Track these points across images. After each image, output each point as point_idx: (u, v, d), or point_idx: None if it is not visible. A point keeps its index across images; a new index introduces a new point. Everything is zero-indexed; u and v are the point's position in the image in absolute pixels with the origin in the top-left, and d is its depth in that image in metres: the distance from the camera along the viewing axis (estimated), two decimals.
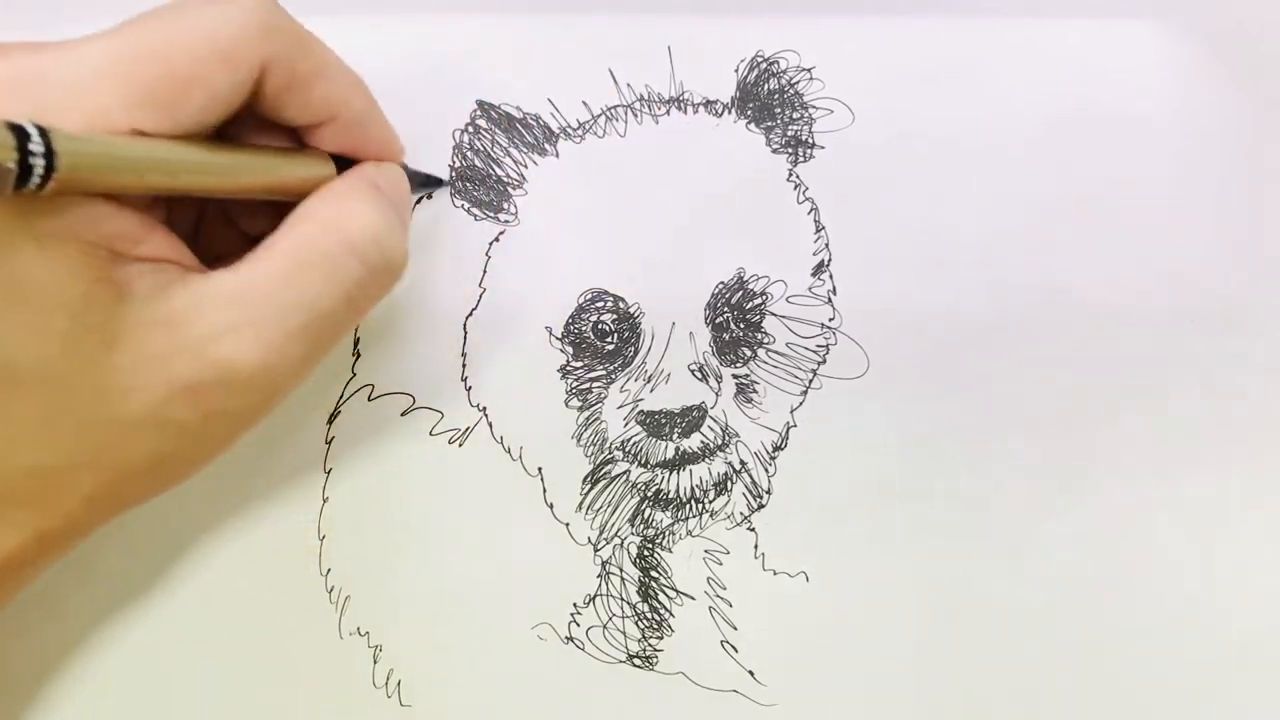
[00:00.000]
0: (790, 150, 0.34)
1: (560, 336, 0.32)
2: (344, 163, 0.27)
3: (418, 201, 0.32)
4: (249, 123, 0.26)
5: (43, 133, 0.19)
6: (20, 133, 0.19)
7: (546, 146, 0.33)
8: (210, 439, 0.24)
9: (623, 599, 0.32)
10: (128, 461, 0.22)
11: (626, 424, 0.32)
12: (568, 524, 0.32)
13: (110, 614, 0.32)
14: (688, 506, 0.32)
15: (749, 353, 0.33)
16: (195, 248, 0.25)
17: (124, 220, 0.23)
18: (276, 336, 0.23)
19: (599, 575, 0.32)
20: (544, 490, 0.32)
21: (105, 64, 0.22)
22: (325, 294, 0.24)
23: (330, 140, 0.26)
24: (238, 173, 0.24)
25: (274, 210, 0.26)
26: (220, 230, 0.28)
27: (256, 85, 0.24)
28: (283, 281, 0.23)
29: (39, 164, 0.19)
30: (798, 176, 0.33)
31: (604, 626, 0.32)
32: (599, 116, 0.33)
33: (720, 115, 0.33)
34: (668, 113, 0.33)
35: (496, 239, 0.33)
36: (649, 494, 0.32)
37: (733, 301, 0.33)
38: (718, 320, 0.33)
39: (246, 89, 0.24)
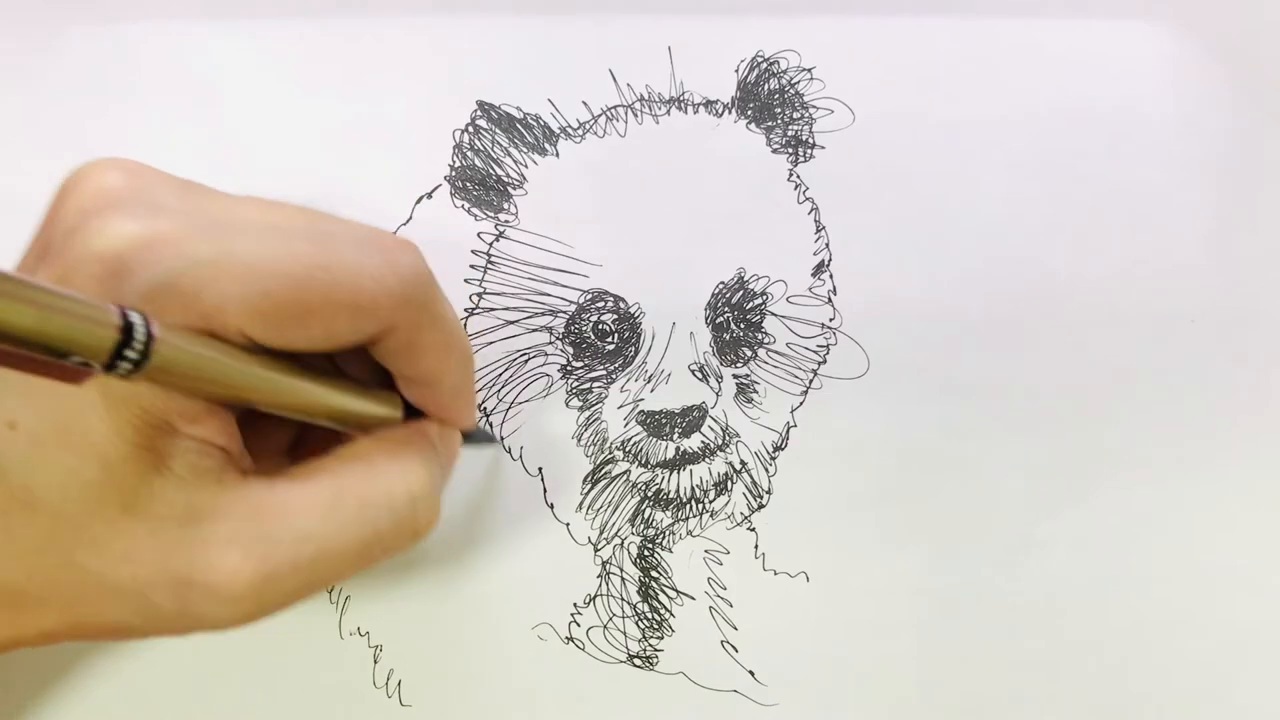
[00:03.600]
0: (790, 150, 0.34)
1: (560, 336, 0.32)
2: (410, 407, 0.27)
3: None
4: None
5: (148, 331, 0.19)
6: (126, 326, 0.19)
7: (546, 146, 0.33)
8: (175, 628, 0.23)
9: (623, 599, 0.32)
10: (93, 618, 0.22)
11: (627, 424, 0.32)
12: (568, 524, 0.32)
13: None
14: (688, 506, 0.32)
15: (749, 353, 0.33)
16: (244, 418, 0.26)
17: (191, 401, 0.23)
18: (280, 562, 0.22)
19: (599, 575, 0.32)
20: (544, 490, 0.32)
21: (246, 262, 0.21)
22: (345, 535, 0.23)
23: (414, 393, 0.26)
24: (315, 400, 0.24)
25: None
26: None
27: (374, 337, 0.24)
28: (310, 512, 0.23)
29: (128, 361, 0.19)
30: (798, 176, 0.33)
31: (604, 626, 0.32)
32: (599, 116, 0.33)
33: (720, 115, 0.33)
34: (668, 113, 0.33)
35: (496, 239, 0.33)
36: (649, 494, 0.32)
37: (733, 301, 0.33)
38: (718, 320, 0.33)
39: (363, 339, 0.23)
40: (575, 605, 0.32)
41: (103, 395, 0.21)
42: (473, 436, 0.31)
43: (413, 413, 0.26)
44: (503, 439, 0.32)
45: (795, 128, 0.34)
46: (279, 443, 0.27)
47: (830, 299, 0.33)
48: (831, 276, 0.33)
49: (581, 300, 0.32)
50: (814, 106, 0.34)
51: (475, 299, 0.32)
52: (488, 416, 0.32)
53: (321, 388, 0.24)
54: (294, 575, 0.23)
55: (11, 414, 0.20)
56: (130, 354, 0.19)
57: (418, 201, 0.33)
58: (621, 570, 0.32)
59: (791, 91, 0.34)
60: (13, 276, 0.17)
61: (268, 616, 0.23)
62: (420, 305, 0.23)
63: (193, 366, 0.21)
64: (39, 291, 0.17)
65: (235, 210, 0.23)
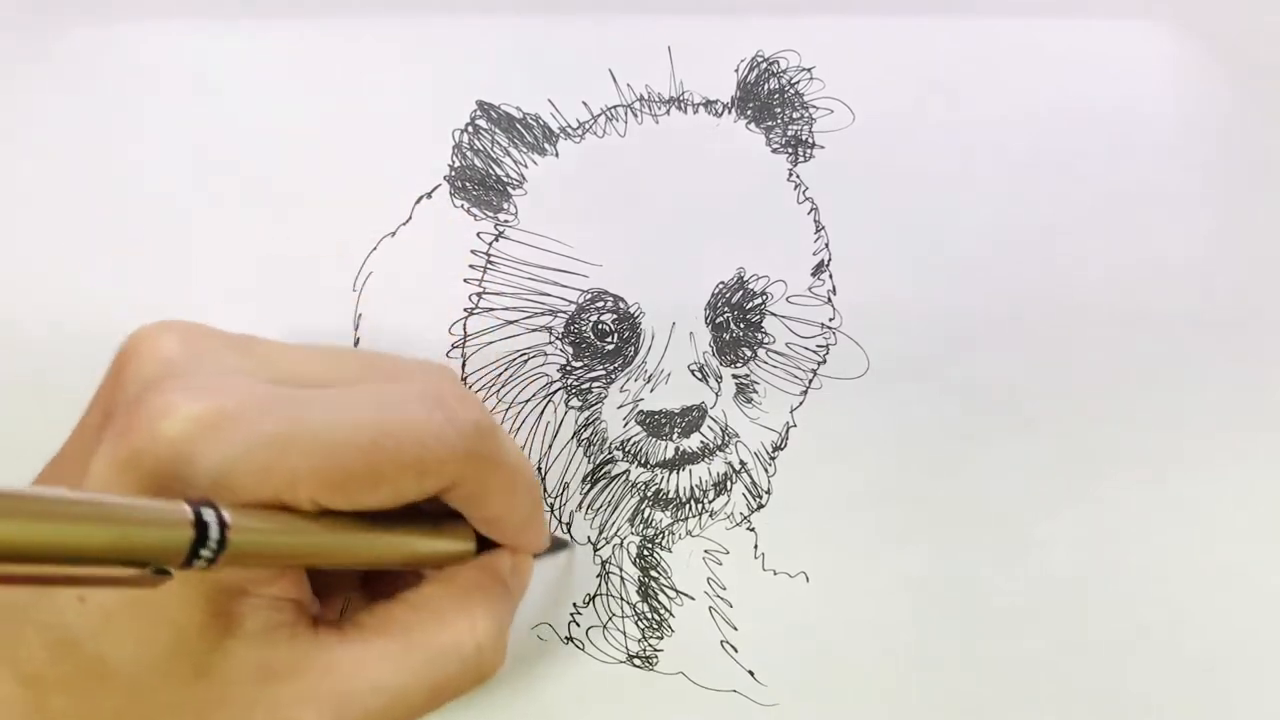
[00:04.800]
0: (790, 150, 0.34)
1: (560, 336, 0.32)
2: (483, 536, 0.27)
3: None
4: None
5: (221, 527, 0.19)
6: (200, 523, 0.19)
7: (546, 146, 0.33)
8: None
9: (623, 599, 0.32)
10: None
11: (626, 424, 0.32)
12: (568, 524, 0.32)
13: None
14: (688, 506, 0.32)
15: (749, 353, 0.33)
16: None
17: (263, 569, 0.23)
18: (354, 715, 0.23)
19: (599, 575, 0.32)
20: (544, 490, 0.32)
21: (315, 436, 0.21)
22: (415, 684, 0.24)
23: (485, 529, 0.26)
24: (386, 551, 0.24)
25: None
26: None
27: (442, 490, 0.24)
28: (381, 664, 0.23)
29: (203, 559, 0.19)
30: (798, 176, 0.33)
31: (604, 626, 0.32)
32: (599, 116, 0.33)
33: (720, 115, 0.33)
34: (668, 113, 0.33)
35: (496, 239, 0.33)
36: (649, 494, 0.32)
37: (733, 301, 0.33)
38: (718, 320, 0.33)
39: (429, 495, 0.24)
40: (575, 605, 0.32)
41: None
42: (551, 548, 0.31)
43: (486, 542, 0.26)
44: (572, 537, 0.32)
45: (795, 128, 0.34)
46: (351, 579, 0.28)
47: (830, 299, 0.33)
48: (831, 276, 0.33)
49: (581, 300, 0.32)
50: (814, 106, 0.34)
51: (475, 299, 0.32)
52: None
53: (392, 537, 0.24)
54: None
55: (80, 588, 0.20)
56: (205, 552, 0.19)
57: (417, 201, 0.33)
58: (621, 570, 0.32)
59: (791, 91, 0.34)
60: (83, 497, 0.17)
61: None
62: (484, 457, 0.24)
63: (267, 545, 0.21)
64: (109, 506, 0.17)
65: (295, 369, 0.23)
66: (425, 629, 0.24)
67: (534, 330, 0.32)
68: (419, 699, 0.24)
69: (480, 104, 0.33)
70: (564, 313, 0.32)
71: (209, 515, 0.19)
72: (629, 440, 0.32)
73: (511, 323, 0.32)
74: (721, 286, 0.33)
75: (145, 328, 0.23)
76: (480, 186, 0.33)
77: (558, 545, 0.31)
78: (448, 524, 0.26)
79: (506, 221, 0.33)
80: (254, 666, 0.22)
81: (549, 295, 0.32)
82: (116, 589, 0.20)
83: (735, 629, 0.32)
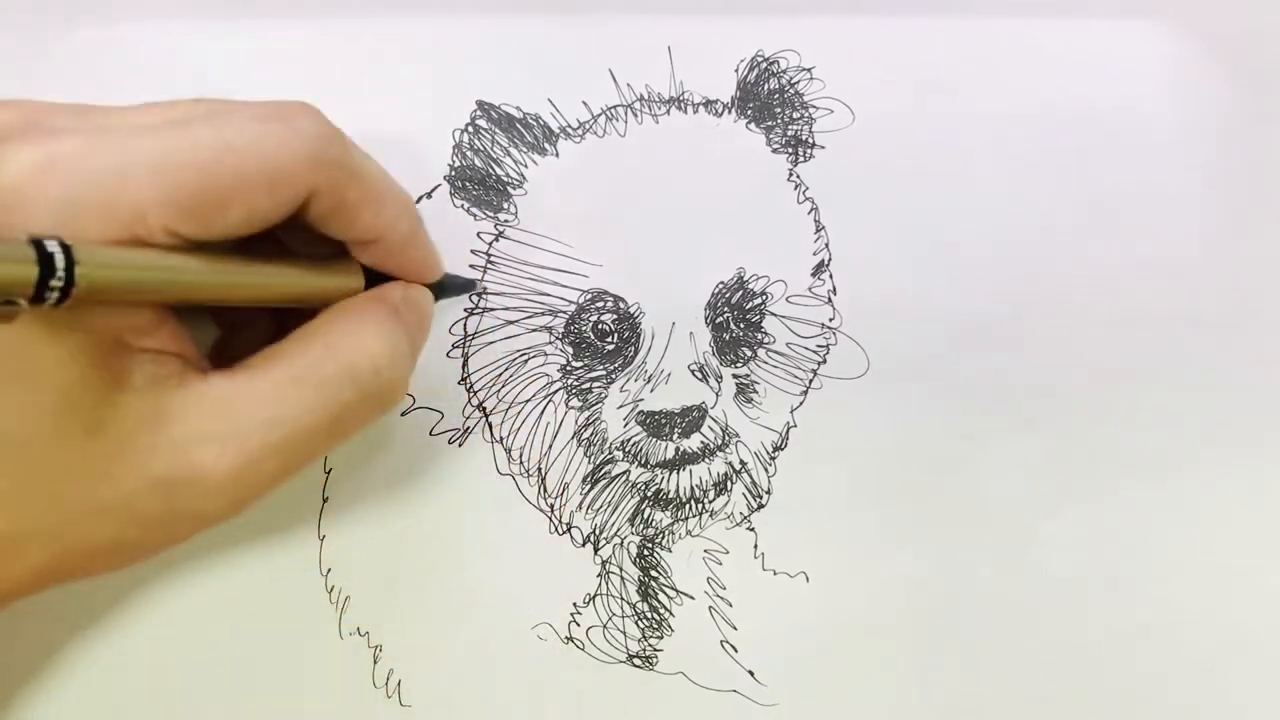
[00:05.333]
0: (790, 150, 0.34)
1: (560, 336, 0.32)
2: (374, 273, 0.27)
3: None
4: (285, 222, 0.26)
5: (67, 255, 0.19)
6: (43, 255, 0.19)
7: (546, 146, 0.33)
8: (172, 532, 0.24)
9: (623, 599, 0.32)
10: (85, 541, 0.23)
11: (626, 424, 0.32)
12: (568, 524, 0.32)
13: (110, 614, 0.32)
14: (688, 506, 0.32)
15: (749, 353, 0.33)
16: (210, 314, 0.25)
17: (136, 315, 0.23)
18: (255, 449, 0.23)
19: (599, 575, 0.32)
20: (544, 490, 0.32)
21: (150, 161, 0.21)
22: (313, 414, 0.24)
23: (367, 256, 0.26)
24: (262, 287, 0.24)
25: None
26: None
27: (300, 206, 0.24)
28: (273, 398, 0.23)
29: (54, 290, 0.19)
30: (798, 176, 0.33)
31: (604, 626, 0.32)
32: (599, 116, 0.33)
33: (720, 115, 0.33)
34: (668, 113, 0.33)
35: (496, 239, 0.33)
36: (649, 494, 0.32)
37: (733, 301, 0.33)
38: (718, 320, 0.33)
39: (288, 210, 0.23)
40: (575, 605, 0.32)
41: (45, 325, 0.21)
42: (447, 289, 0.30)
43: (377, 280, 0.26)
44: (484, 288, 0.31)
45: (795, 127, 0.34)
46: (264, 337, 0.27)
47: (830, 299, 0.33)
48: (831, 276, 0.33)
49: (581, 300, 0.32)
50: (814, 106, 0.34)
51: (475, 299, 0.32)
52: (485, 414, 0.32)
53: (269, 269, 0.24)
54: (270, 459, 0.23)
55: None
56: (55, 283, 0.19)
57: (417, 201, 0.33)
58: (621, 570, 0.32)
59: (791, 91, 0.34)
60: None
61: (254, 502, 0.24)
62: (333, 162, 0.23)
63: (128, 278, 0.21)
64: None
65: (132, 117, 0.23)
66: (312, 357, 0.24)
67: (534, 330, 0.32)
68: (320, 429, 0.24)
69: (480, 104, 0.33)
70: (564, 313, 0.32)
71: (52, 246, 0.19)
72: (629, 440, 0.32)
73: (512, 323, 0.32)
74: (721, 286, 0.33)
75: None
76: (480, 186, 0.33)
77: (461, 286, 0.31)
78: (334, 263, 0.25)
79: (506, 221, 0.33)
80: (147, 415, 0.22)
81: (549, 295, 0.32)
82: None
83: (735, 629, 0.32)
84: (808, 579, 0.32)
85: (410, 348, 0.26)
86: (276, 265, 0.24)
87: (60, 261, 0.19)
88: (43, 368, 0.21)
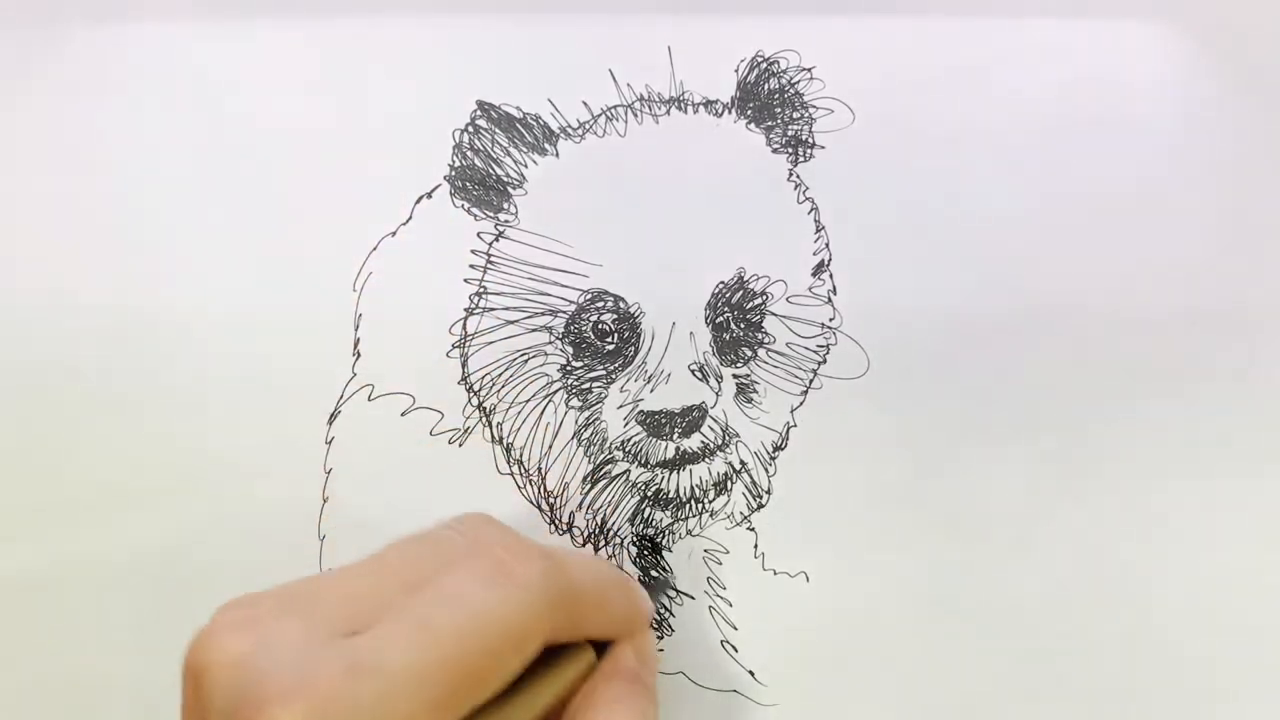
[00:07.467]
0: (790, 150, 0.34)
1: (560, 336, 0.32)
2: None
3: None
4: None
5: None
6: None
7: (546, 146, 0.33)
8: None
9: None
10: None
11: (626, 424, 0.32)
12: (568, 523, 0.32)
13: (110, 614, 0.32)
14: (688, 506, 0.32)
15: (749, 353, 0.33)
16: None
17: None
18: None
19: None
20: (544, 490, 0.32)
21: (412, 671, 0.21)
22: None
23: (595, 636, 0.26)
24: (512, 714, 0.24)
25: None
26: None
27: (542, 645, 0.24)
28: None
29: None
30: (798, 176, 0.33)
31: None
32: (599, 116, 0.33)
33: (720, 115, 0.33)
34: (668, 113, 0.33)
35: (496, 239, 0.33)
36: (649, 494, 0.32)
37: (733, 301, 0.33)
38: (718, 320, 0.33)
39: (534, 655, 0.24)
40: None
41: None
42: (661, 590, 0.31)
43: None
44: (671, 578, 0.33)
45: (795, 128, 0.34)
46: None
47: (830, 299, 0.33)
48: (831, 276, 0.33)
49: (581, 300, 0.32)
50: (814, 106, 0.34)
51: (475, 299, 0.32)
52: (485, 414, 0.32)
53: (519, 701, 0.24)
54: None
55: None
56: None
57: (417, 201, 0.33)
58: (621, 570, 0.32)
59: (791, 91, 0.34)
60: None
61: None
62: (565, 599, 0.24)
63: None
64: None
65: (350, 608, 0.23)
66: None
67: (534, 330, 0.32)
68: None
69: (480, 104, 0.33)
70: (564, 313, 0.32)
71: None
72: (629, 440, 0.32)
73: (512, 323, 0.32)
74: (721, 286, 0.33)
75: (206, 633, 0.23)
76: (480, 186, 0.33)
77: (658, 590, 0.31)
78: (562, 654, 0.25)
79: (506, 221, 0.33)
80: None
81: (549, 295, 0.32)
82: None
83: (735, 629, 0.32)
84: (808, 579, 0.32)
85: (653, 701, 0.27)
86: (524, 692, 0.24)
87: None
88: None
